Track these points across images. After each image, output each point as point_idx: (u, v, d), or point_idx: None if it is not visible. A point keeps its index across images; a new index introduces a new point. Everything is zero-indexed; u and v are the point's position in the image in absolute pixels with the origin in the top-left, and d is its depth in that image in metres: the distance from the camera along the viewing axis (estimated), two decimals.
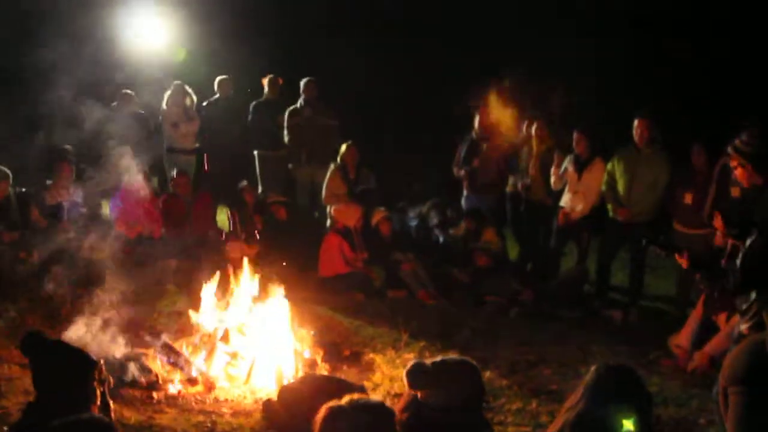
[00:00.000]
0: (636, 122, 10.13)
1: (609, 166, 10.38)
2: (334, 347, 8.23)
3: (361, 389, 6.63)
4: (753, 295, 6.04)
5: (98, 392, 4.72)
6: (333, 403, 3.84)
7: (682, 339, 8.69)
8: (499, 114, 11.43)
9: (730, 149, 6.67)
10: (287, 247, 10.76)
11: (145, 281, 9.46)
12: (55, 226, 10.58)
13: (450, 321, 9.52)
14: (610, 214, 10.40)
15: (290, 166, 12.58)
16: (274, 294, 7.87)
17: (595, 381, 4.61)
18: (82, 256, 9.56)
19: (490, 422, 5.60)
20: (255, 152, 12.87)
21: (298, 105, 12.41)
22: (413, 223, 11.90)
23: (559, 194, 11.06)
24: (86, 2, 13.20)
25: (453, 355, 5.25)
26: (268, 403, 6.65)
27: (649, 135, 10.08)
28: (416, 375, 4.94)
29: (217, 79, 13.00)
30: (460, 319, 9.67)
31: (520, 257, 11.96)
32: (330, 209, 11.87)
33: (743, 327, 6.13)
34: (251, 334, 7.69)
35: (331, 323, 8.87)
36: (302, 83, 12.44)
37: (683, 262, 6.66)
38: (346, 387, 6.60)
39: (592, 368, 4.79)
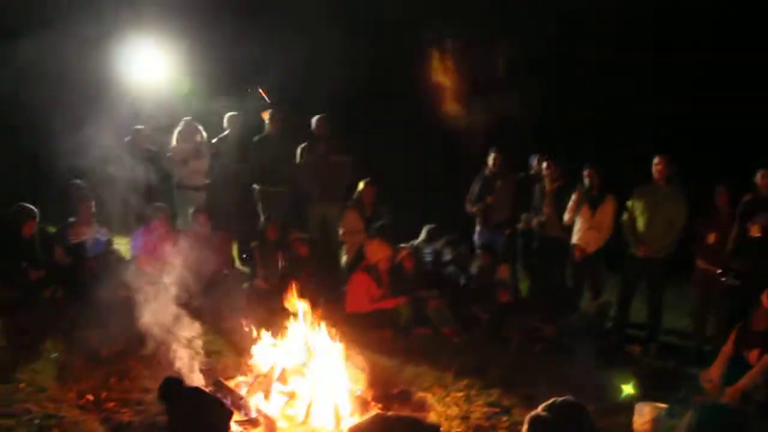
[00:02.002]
0: (656, 159, 10.44)
1: (629, 203, 10.63)
2: (380, 386, 8.25)
3: (436, 428, 6.66)
4: None
5: None
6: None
7: (714, 374, 8.88)
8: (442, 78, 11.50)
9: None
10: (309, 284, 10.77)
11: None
12: (79, 263, 10.55)
13: (480, 358, 9.60)
14: (630, 250, 10.60)
15: (303, 202, 12.59)
16: (326, 333, 7.94)
17: (697, 421, 4.74)
18: (109, 295, 9.52)
19: None
20: (256, 187, 12.82)
21: (309, 142, 12.43)
22: (428, 259, 11.96)
23: (566, 228, 11.28)
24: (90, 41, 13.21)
25: (559, 398, 5.29)
26: None
27: (668, 172, 10.36)
28: (539, 429, 5.02)
29: (227, 115, 13.00)
30: (489, 355, 9.76)
31: (531, 293, 12.10)
32: (344, 247, 12.02)
33: None
34: (308, 373, 7.72)
35: (371, 361, 8.86)
36: (314, 120, 12.46)
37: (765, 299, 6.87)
38: (419, 426, 6.64)
39: (692, 408, 4.93)
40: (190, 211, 12.23)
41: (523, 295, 11.98)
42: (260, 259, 11.46)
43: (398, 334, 10.36)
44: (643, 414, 7.76)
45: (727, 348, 8.93)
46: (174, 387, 4.71)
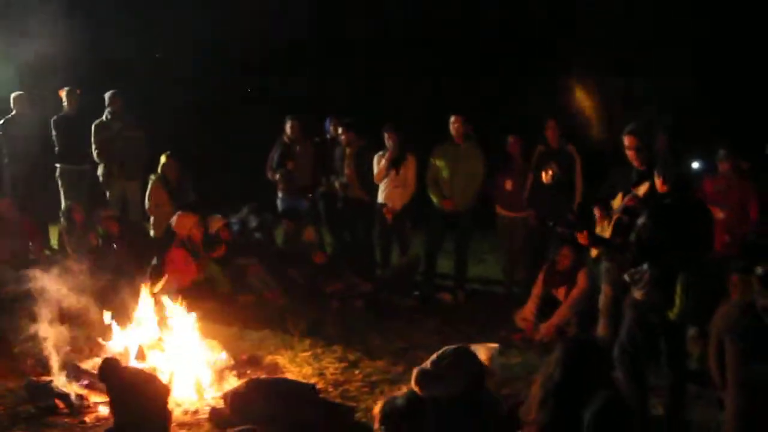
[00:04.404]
0: (452, 118, 11.04)
1: (432, 161, 11.18)
2: (229, 353, 8.37)
3: (312, 387, 6.96)
4: (645, 267, 6.93)
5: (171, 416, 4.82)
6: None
7: (528, 313, 9.70)
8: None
9: (632, 131, 7.62)
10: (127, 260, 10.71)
11: None
12: None
13: (311, 318, 9.91)
14: (435, 204, 11.18)
15: (101, 179, 12.39)
16: (175, 307, 8.02)
17: (565, 354, 5.29)
18: None
19: None
20: (57, 166, 12.53)
21: (104, 118, 12.24)
22: (235, 228, 12.08)
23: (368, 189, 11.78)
24: None
25: (446, 348, 5.71)
26: (216, 412, 6.79)
27: (464, 130, 11.00)
28: (426, 381, 5.44)
29: (12, 95, 12.54)
30: (317, 315, 10.11)
31: (338, 253, 12.47)
32: (152, 220, 12.02)
33: (637, 294, 7.03)
34: (165, 347, 7.77)
35: (210, 331, 8.94)
36: (107, 96, 12.26)
37: (582, 239, 7.44)
38: (296, 387, 6.95)
39: (560, 343, 5.49)
40: None
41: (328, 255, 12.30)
42: (69, 241, 11.22)
43: (222, 303, 10.43)
44: (478, 355, 8.35)
45: (537, 288, 9.75)
46: (112, 367, 4.75)
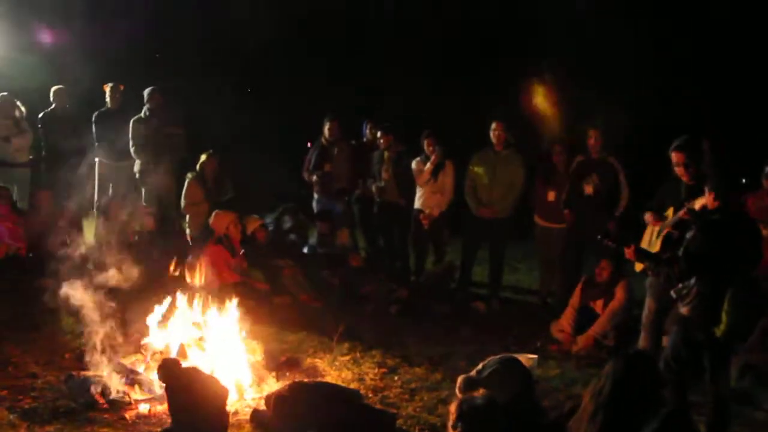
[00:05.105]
0: (493, 125, 10.97)
1: (470, 167, 11.12)
2: (267, 355, 8.34)
3: (357, 392, 6.92)
4: (692, 281, 6.85)
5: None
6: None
7: (565, 324, 9.61)
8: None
9: (679, 147, 7.53)
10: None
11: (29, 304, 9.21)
12: None
13: (348, 322, 9.78)
14: (473, 212, 11.12)
15: (137, 175, 12.41)
16: (222, 306, 8.01)
17: (616, 368, 5.24)
18: None
19: None
20: (96, 161, 12.56)
21: (143, 114, 12.26)
22: (269, 228, 12.08)
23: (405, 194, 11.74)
24: None
25: (492, 357, 5.67)
26: (258, 413, 6.77)
27: (505, 137, 10.93)
28: (471, 390, 5.39)
29: (53, 89, 12.61)
30: (353, 319, 10.03)
31: (371, 257, 12.44)
32: (187, 218, 12.02)
33: (683, 310, 6.95)
34: (207, 347, 7.74)
35: (249, 331, 8.91)
36: (146, 92, 12.28)
37: (629, 254, 7.36)
38: (341, 392, 6.90)
39: (611, 357, 5.44)
40: (15, 189, 11.91)
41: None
42: (105, 236, 11.18)
43: (258, 303, 10.40)
44: None
45: (575, 299, 9.67)
46: (172, 367, 4.73)
